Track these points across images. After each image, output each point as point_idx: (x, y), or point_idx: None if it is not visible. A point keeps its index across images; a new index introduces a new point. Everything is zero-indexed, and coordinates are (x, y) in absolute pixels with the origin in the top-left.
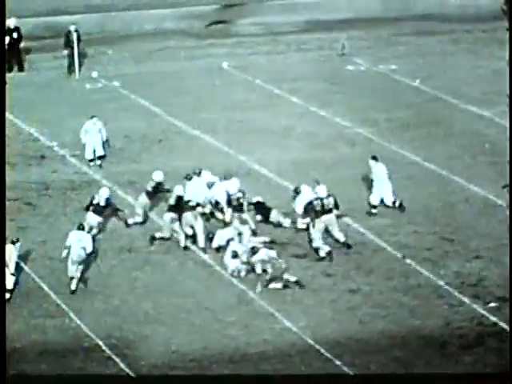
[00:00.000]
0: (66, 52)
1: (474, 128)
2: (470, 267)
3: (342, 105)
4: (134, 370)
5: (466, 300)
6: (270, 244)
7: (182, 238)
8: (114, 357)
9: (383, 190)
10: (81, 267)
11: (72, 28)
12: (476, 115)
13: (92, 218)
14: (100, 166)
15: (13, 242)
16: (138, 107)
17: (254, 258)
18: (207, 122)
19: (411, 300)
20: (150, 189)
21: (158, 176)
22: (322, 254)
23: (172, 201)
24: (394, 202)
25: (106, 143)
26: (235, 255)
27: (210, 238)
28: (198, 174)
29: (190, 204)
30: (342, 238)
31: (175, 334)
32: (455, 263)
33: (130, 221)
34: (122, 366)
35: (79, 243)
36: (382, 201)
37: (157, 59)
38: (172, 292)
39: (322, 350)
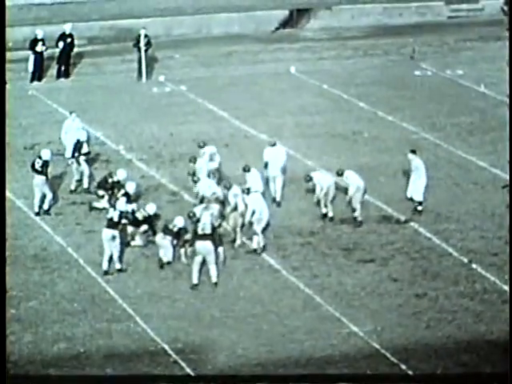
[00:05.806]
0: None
1: None
2: None
3: (409, 110)
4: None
5: None
6: None
7: None
8: (179, 361)
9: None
10: None
11: (142, 32)
12: None
13: None
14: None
15: None
16: (205, 111)
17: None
18: (274, 127)
19: (477, 305)
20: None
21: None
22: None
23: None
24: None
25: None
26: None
27: None
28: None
29: None
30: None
31: (241, 338)
32: None
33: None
34: (188, 370)
35: None
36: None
37: (224, 63)
38: (238, 296)
39: (388, 355)
